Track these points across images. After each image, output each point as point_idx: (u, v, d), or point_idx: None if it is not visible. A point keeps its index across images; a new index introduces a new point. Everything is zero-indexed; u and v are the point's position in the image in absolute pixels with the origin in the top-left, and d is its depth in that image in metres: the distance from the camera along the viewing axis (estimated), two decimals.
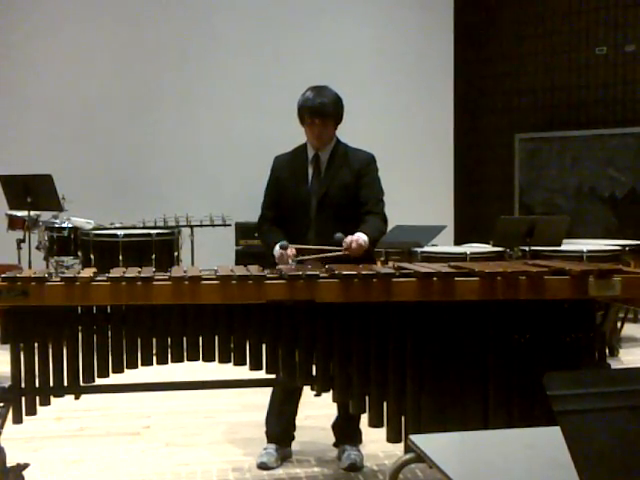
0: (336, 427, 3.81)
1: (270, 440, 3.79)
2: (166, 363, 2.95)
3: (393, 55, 8.73)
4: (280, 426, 3.79)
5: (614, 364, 5.40)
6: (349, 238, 3.36)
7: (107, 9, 8.22)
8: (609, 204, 8.27)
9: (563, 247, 5.65)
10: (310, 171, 3.63)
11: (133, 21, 8.22)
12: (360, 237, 3.38)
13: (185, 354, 2.94)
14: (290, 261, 3.42)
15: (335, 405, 3.49)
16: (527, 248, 5.51)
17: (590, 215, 8.29)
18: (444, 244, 6.63)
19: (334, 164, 3.62)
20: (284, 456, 3.78)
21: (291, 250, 3.43)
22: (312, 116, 3.55)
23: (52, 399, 2.96)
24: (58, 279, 2.90)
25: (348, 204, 3.56)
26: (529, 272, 2.99)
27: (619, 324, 6.18)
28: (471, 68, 9.01)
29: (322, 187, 3.59)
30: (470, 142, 9.07)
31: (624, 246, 6.03)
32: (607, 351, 5.63)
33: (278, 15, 8.43)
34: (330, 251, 3.38)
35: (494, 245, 5.97)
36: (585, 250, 5.67)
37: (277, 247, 3.48)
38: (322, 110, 3.54)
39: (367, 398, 3.03)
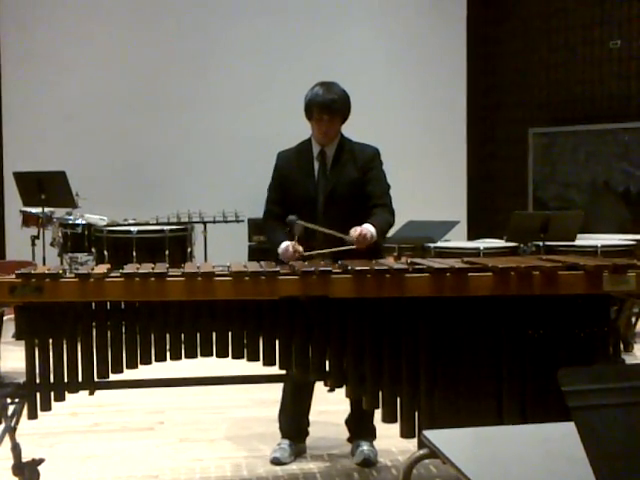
0: (350, 422, 3.81)
1: (284, 436, 3.79)
2: (180, 359, 2.96)
3: (404, 50, 8.70)
4: (293, 422, 3.79)
5: (629, 359, 5.39)
6: (355, 231, 3.33)
7: (123, 10, 8.27)
8: (623, 199, 8.21)
9: (577, 242, 5.62)
10: (316, 167, 3.62)
11: (147, 23, 8.27)
12: (367, 229, 3.36)
13: (199, 350, 2.95)
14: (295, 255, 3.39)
15: (348, 400, 3.49)
16: (541, 243, 5.49)
17: (604, 210, 8.24)
18: (457, 239, 6.61)
19: (340, 160, 3.61)
20: (298, 452, 3.77)
21: (297, 246, 3.39)
22: (321, 112, 3.53)
23: (67, 395, 2.97)
24: (72, 275, 2.92)
25: (355, 199, 3.55)
26: (543, 267, 2.98)
27: (634, 319, 6.15)
28: (484, 62, 8.97)
29: (329, 183, 3.58)
30: (483, 137, 9.04)
31: (638, 241, 5.99)
32: (622, 346, 5.63)
33: (288, 17, 8.44)
34: (337, 239, 3.36)
35: (508, 240, 5.95)
36: (599, 245, 5.63)
37: (282, 244, 3.44)
38: (331, 106, 3.52)
39: (380, 393, 3.03)
